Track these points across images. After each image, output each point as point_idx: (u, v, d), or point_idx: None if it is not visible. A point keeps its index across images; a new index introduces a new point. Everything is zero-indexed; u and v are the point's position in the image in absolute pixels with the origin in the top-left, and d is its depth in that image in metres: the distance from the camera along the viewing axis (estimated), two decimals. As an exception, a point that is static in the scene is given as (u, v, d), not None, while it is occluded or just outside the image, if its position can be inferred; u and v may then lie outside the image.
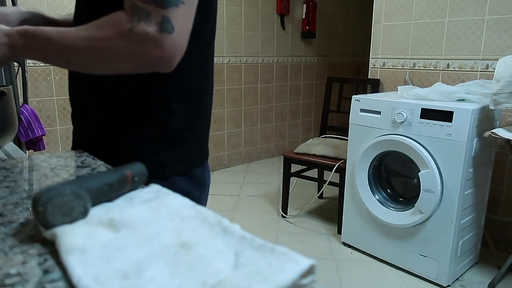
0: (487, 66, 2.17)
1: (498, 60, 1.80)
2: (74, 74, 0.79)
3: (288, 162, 2.62)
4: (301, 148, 2.58)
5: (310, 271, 0.33)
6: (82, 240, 0.39)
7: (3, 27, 0.62)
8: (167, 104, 0.73)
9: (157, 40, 0.57)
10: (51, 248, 0.40)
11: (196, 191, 0.82)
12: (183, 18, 0.60)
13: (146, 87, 0.72)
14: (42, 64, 2.60)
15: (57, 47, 0.61)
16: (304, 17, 4.06)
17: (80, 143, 0.81)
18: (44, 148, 1.81)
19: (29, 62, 2.43)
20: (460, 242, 1.89)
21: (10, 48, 0.62)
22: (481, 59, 2.19)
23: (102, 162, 0.71)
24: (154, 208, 0.46)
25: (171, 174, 0.76)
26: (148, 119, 0.73)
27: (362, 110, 2.08)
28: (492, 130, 1.74)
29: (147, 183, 0.57)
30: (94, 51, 0.60)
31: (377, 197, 2.09)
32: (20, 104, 1.78)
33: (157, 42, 0.57)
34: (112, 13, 0.60)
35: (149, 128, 0.74)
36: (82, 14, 0.75)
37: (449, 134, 1.75)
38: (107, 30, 0.58)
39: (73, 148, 0.82)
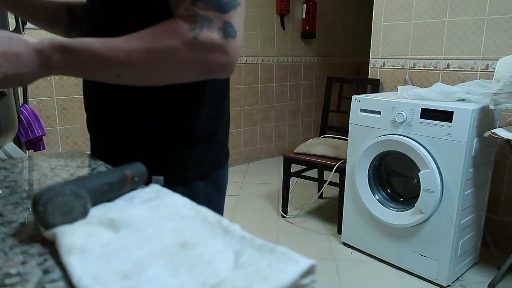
0: (487, 66, 2.17)
1: (498, 60, 1.80)
2: (91, 80, 0.77)
3: (288, 162, 2.62)
4: (301, 148, 2.58)
5: (310, 271, 0.33)
6: (82, 240, 0.39)
7: (32, 40, 0.54)
8: (192, 109, 0.71)
9: (222, 46, 0.55)
10: (51, 248, 0.40)
11: (216, 194, 0.80)
12: (240, 20, 0.58)
13: (170, 92, 0.69)
14: (42, 64, 2.60)
15: (105, 62, 0.55)
16: (304, 17, 4.06)
17: (99, 151, 0.78)
18: (44, 148, 1.81)
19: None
20: (460, 242, 1.89)
21: (42, 65, 0.54)
22: (481, 59, 2.19)
23: (102, 162, 0.71)
24: (154, 208, 0.46)
25: (193, 178, 0.74)
26: (172, 125, 0.71)
27: (362, 110, 2.08)
28: (492, 130, 1.74)
29: (168, 187, 0.56)
30: (154, 64, 0.56)
31: (377, 197, 2.09)
32: (20, 104, 1.78)
33: (222, 49, 0.56)
34: (166, 21, 0.56)
35: (173, 134, 0.71)
36: (96, 10, 0.72)
37: (449, 134, 1.75)
38: (168, 40, 0.55)
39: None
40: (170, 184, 0.60)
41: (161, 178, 0.65)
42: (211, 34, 0.55)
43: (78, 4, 0.88)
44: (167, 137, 0.71)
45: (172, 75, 0.58)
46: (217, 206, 0.82)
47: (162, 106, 0.70)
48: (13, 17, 1.71)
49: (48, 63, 0.55)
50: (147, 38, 0.55)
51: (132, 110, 0.71)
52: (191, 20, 0.55)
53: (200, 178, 0.75)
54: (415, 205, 1.89)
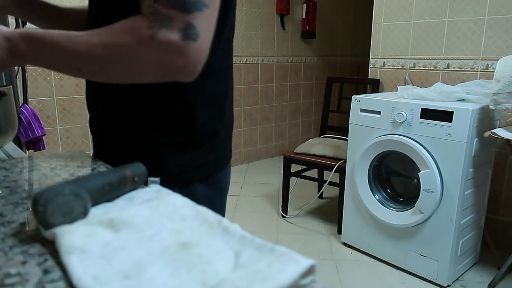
0: (487, 66, 2.17)
1: (498, 60, 1.80)
2: (93, 81, 0.76)
3: (288, 162, 2.62)
4: (301, 148, 2.58)
5: (310, 271, 0.33)
6: (82, 240, 0.39)
7: (3, 29, 0.57)
8: (190, 110, 0.70)
9: (180, 48, 0.53)
10: (51, 248, 0.40)
11: (217, 196, 0.79)
12: (206, 23, 0.55)
13: (167, 92, 0.68)
14: (42, 64, 2.60)
15: (66, 54, 0.55)
16: (304, 17, 4.06)
17: (99, 150, 0.78)
18: (44, 148, 1.81)
19: (29, 62, 2.43)
20: (460, 242, 1.89)
21: (9, 53, 0.57)
22: (481, 59, 2.19)
23: (102, 162, 0.71)
24: (154, 208, 0.46)
25: (192, 180, 0.73)
26: (170, 125, 0.70)
27: (362, 110, 2.08)
28: (492, 130, 1.74)
29: (166, 186, 0.55)
30: (109, 59, 0.55)
31: (377, 197, 2.09)
32: (20, 104, 1.78)
33: (180, 50, 0.53)
34: (129, 18, 0.55)
35: (171, 134, 0.70)
36: (95, 10, 0.72)
37: (449, 134, 1.75)
38: (125, 37, 0.54)
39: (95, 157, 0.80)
40: (168, 185, 0.60)
41: (158, 179, 0.65)
42: (169, 34, 0.52)
43: None
44: (164, 138, 0.70)
45: (128, 73, 0.57)
46: (218, 208, 0.81)
47: (159, 106, 0.69)
48: (13, 16, 1.70)
49: (15, 51, 0.57)
50: (107, 34, 0.55)
51: (129, 110, 0.71)
52: (151, 18, 0.53)
53: (200, 180, 0.74)
54: (415, 205, 1.89)
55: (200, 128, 0.72)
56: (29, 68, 2.48)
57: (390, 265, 2.09)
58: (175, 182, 0.69)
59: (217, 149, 0.76)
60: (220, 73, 0.73)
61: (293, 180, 2.72)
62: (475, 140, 1.76)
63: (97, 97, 0.75)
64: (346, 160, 2.23)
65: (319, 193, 2.82)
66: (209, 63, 0.63)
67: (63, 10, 0.87)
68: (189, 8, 0.53)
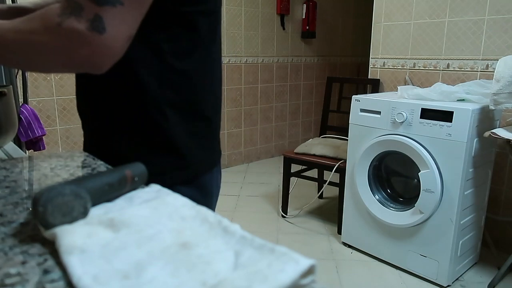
0: (487, 66, 2.17)
1: (498, 60, 1.80)
2: (79, 82, 0.77)
3: (288, 162, 2.62)
4: (301, 148, 2.58)
5: (310, 271, 0.33)
6: (82, 240, 0.39)
7: None
8: (160, 110, 0.70)
9: (85, 38, 0.53)
10: (51, 248, 0.40)
11: (203, 199, 0.78)
12: (119, 21, 0.55)
13: (138, 92, 0.69)
14: (42, 64, 2.60)
15: None
16: (304, 17, 4.06)
17: (88, 151, 0.80)
18: (44, 148, 1.81)
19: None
20: (460, 242, 1.89)
21: None
22: (481, 59, 2.19)
23: (102, 162, 0.71)
24: (154, 208, 0.46)
25: (172, 183, 0.72)
26: (143, 125, 0.71)
27: (362, 110, 2.08)
28: (492, 130, 1.74)
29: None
30: (19, 45, 0.55)
31: (377, 197, 2.09)
32: (20, 104, 1.77)
33: (84, 41, 0.53)
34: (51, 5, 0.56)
35: (146, 135, 0.71)
36: None
37: (449, 134, 1.75)
38: (35, 23, 0.54)
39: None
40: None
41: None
42: (77, 23, 0.52)
43: (26, 8, 0.87)
44: (141, 141, 0.71)
45: (36, 60, 0.57)
46: None
47: (133, 109, 0.70)
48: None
49: None
50: (23, 20, 0.55)
51: (106, 114, 0.72)
52: (64, 5, 0.53)
53: (183, 182, 0.74)
54: (415, 205, 1.89)
55: (173, 129, 0.72)
56: (29, 68, 2.48)
57: (390, 265, 2.09)
58: (157, 183, 0.70)
59: (198, 152, 0.76)
60: (195, 77, 0.73)
61: (293, 180, 2.72)
62: (475, 140, 1.76)
63: (82, 97, 0.77)
64: (346, 160, 2.23)
65: (319, 193, 2.82)
66: (178, 66, 0.67)
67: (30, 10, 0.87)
68: (101, 1, 0.53)
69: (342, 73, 4.68)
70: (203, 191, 0.78)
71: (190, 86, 0.73)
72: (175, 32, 0.68)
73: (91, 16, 0.53)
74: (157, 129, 0.71)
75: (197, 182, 0.76)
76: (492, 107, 1.74)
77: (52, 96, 2.69)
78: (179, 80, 0.70)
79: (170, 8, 0.65)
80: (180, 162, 0.74)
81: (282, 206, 2.70)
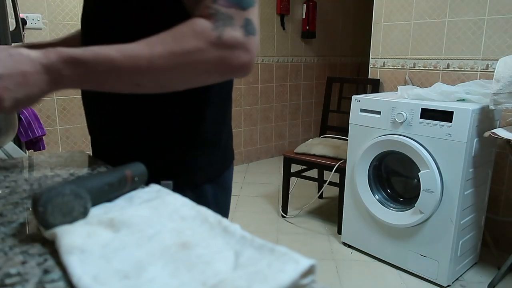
0: (487, 66, 2.17)
1: (498, 60, 1.80)
2: (95, 97, 0.73)
3: (288, 162, 2.62)
4: (301, 148, 2.58)
5: (310, 271, 0.33)
6: (82, 240, 0.39)
7: (35, 54, 0.49)
8: (199, 110, 0.70)
9: (244, 44, 0.54)
10: (51, 248, 0.40)
11: (224, 196, 0.79)
12: (257, 18, 0.57)
13: (176, 92, 0.67)
14: (42, 64, 2.60)
15: (124, 71, 0.51)
16: (304, 17, 4.06)
17: (102, 154, 0.76)
18: (44, 148, 1.81)
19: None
20: (460, 242, 1.89)
21: (52, 83, 0.50)
22: (481, 59, 2.19)
23: (102, 162, 0.71)
24: (154, 208, 0.46)
25: (202, 181, 0.72)
26: (179, 126, 0.69)
27: (362, 110, 2.08)
28: (492, 130, 1.74)
29: (177, 191, 0.54)
30: (178, 68, 0.53)
31: (377, 197, 2.09)
32: (20, 104, 1.77)
33: (245, 47, 0.54)
34: (185, 22, 0.53)
35: (180, 135, 0.69)
36: (92, 18, 0.70)
37: (449, 134, 1.75)
38: (193, 41, 0.52)
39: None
40: (180, 188, 0.59)
41: (170, 182, 0.63)
42: (234, 32, 0.53)
43: None
44: (175, 140, 0.70)
45: (196, 77, 0.55)
46: (224, 208, 0.82)
47: (168, 107, 0.68)
48: (13, 16, 1.71)
49: (58, 79, 0.50)
50: (170, 41, 0.52)
51: (137, 112, 0.69)
52: (213, 19, 0.53)
53: (209, 180, 0.74)
54: (415, 205, 1.89)
55: (208, 129, 0.72)
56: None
57: (390, 265, 2.09)
58: (186, 184, 0.69)
59: (222, 149, 0.76)
60: None
61: (293, 180, 2.72)
62: (475, 140, 1.76)
63: (100, 99, 0.72)
64: (346, 160, 2.23)
65: (319, 193, 2.82)
66: None
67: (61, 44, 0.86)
68: (245, 5, 0.55)
69: (342, 73, 4.68)
70: (224, 188, 0.79)
71: (225, 82, 0.73)
72: None
73: (242, 22, 0.54)
74: (194, 127, 0.70)
75: (220, 179, 0.76)
76: (492, 107, 1.74)
77: (52, 96, 2.69)
78: None
79: None
80: (209, 159, 0.73)
81: (282, 206, 2.70)
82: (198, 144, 0.71)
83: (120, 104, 0.69)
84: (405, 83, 2.51)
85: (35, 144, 1.77)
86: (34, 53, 0.49)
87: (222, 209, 0.81)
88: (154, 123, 0.69)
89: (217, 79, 0.57)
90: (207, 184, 0.73)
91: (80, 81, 0.52)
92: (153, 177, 0.57)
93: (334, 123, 3.39)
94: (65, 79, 0.50)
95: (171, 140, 0.69)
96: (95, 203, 0.47)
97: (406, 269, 2.03)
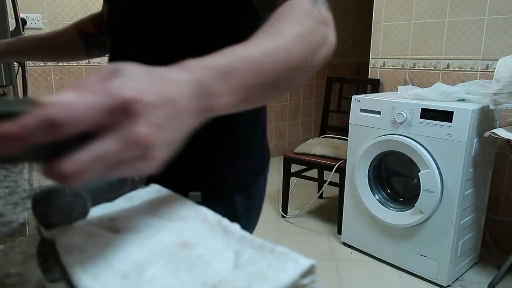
0: (487, 66, 2.17)
1: (498, 60, 1.80)
2: None
3: (288, 162, 2.62)
4: (301, 148, 2.58)
5: (310, 271, 0.33)
6: (82, 240, 0.39)
7: (178, 73, 0.33)
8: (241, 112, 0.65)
9: (332, 21, 0.49)
10: (51, 248, 0.40)
11: (255, 206, 0.74)
12: None
13: None
14: (42, 64, 2.60)
15: (267, 70, 0.40)
16: (304, 17, 4.05)
17: None
18: (44, 148, 1.81)
19: (29, 62, 2.43)
20: (460, 242, 1.89)
21: (205, 110, 0.35)
22: (481, 59, 2.19)
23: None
24: (154, 208, 0.46)
25: (232, 190, 0.68)
26: (206, 131, 0.63)
27: (362, 110, 2.08)
28: (492, 130, 1.74)
29: (206, 202, 0.52)
30: (308, 53, 0.45)
31: (377, 197, 2.09)
32: (20, 104, 1.77)
33: (332, 23, 0.49)
34: (286, 5, 0.47)
35: (207, 142, 0.63)
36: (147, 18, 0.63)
37: (449, 134, 1.75)
38: (307, 22, 0.45)
39: None
40: (208, 198, 0.55)
41: (199, 194, 0.60)
42: (325, 8, 0.48)
43: (84, 21, 0.85)
44: (202, 147, 0.63)
45: (316, 64, 0.48)
46: (255, 220, 0.77)
47: None
48: (13, 17, 1.71)
49: (211, 100, 0.35)
50: (289, 26, 0.44)
51: None
52: (306, 1, 0.47)
53: (239, 190, 0.69)
54: (415, 205, 1.89)
55: (239, 133, 0.67)
56: (29, 68, 2.48)
57: (390, 265, 2.09)
58: (215, 194, 0.65)
59: (254, 153, 0.72)
60: None
61: (293, 180, 2.72)
62: (475, 140, 1.76)
63: None
64: (346, 160, 2.23)
65: (319, 193, 2.82)
66: None
67: (48, 39, 0.86)
68: None
69: (342, 73, 4.68)
70: (256, 196, 0.74)
71: None
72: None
73: None
74: (225, 133, 0.65)
75: (252, 187, 0.71)
76: (492, 107, 1.74)
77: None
78: None
79: None
80: (240, 166, 0.68)
81: (282, 206, 2.70)
82: (227, 150, 0.66)
83: None
84: (405, 83, 2.51)
85: (35, 144, 1.77)
86: (174, 70, 0.34)
87: (252, 222, 0.76)
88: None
89: (321, 63, 0.50)
90: (236, 195, 0.68)
91: (231, 100, 0.37)
92: (179, 188, 0.52)
93: (334, 123, 3.39)
94: (218, 100, 0.36)
95: (198, 147, 0.61)
96: (95, 203, 0.47)
97: (406, 269, 2.03)
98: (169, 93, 0.30)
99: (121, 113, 0.27)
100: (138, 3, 0.63)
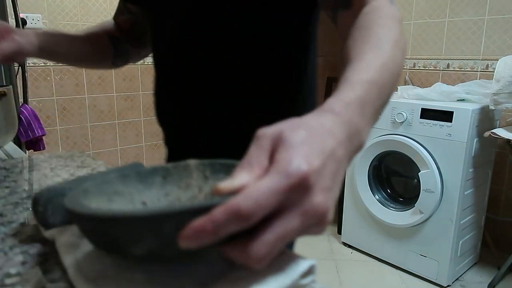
0: (487, 66, 2.17)
1: (498, 60, 1.80)
2: (193, 88, 0.65)
3: (288, 162, 2.62)
4: (301, 148, 2.58)
5: (310, 271, 0.33)
6: (82, 240, 0.39)
7: (325, 116, 0.33)
8: (303, 102, 0.67)
9: None
10: (51, 248, 0.40)
11: None
12: None
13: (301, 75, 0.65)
14: (42, 64, 2.60)
15: (385, 88, 0.40)
16: (304, 17, 4.05)
17: (188, 145, 0.70)
18: (44, 148, 1.81)
19: (29, 62, 2.43)
20: (460, 242, 1.89)
21: (354, 150, 0.34)
22: (481, 59, 2.19)
23: (102, 162, 0.71)
24: (154, 208, 0.46)
25: None
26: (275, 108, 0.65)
27: (362, 110, 2.08)
28: (492, 130, 1.74)
29: None
30: (403, 58, 0.44)
31: (377, 197, 2.09)
32: (20, 104, 1.78)
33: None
34: (368, 7, 0.48)
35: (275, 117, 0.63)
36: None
37: (449, 134, 1.75)
38: (392, 23, 0.45)
39: None
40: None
41: None
42: (395, 5, 0.49)
43: (111, 26, 0.81)
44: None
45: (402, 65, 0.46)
46: None
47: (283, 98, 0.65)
48: (13, 17, 1.71)
49: (359, 141, 0.35)
50: (385, 33, 0.43)
51: (238, 90, 0.64)
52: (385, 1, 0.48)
53: None
54: (415, 205, 1.89)
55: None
56: (29, 68, 2.49)
57: (390, 265, 2.09)
58: None
59: None
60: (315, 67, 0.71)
61: (293, 180, 2.71)
62: (475, 140, 1.76)
63: (195, 108, 0.66)
64: (346, 160, 2.23)
65: (319, 193, 2.82)
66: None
67: (80, 38, 0.79)
68: None
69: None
70: None
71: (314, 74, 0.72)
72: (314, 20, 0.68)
73: None
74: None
75: None
76: (492, 107, 1.74)
77: (52, 96, 2.69)
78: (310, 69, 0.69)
79: None
80: None
81: (282, 206, 2.70)
82: None
83: (223, 83, 0.64)
84: (405, 83, 2.51)
85: (35, 144, 1.77)
86: (323, 117, 0.33)
87: None
88: (254, 104, 0.65)
89: None
90: None
91: (369, 129, 0.37)
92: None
93: (334, 123, 3.39)
94: (362, 135, 0.35)
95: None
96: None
97: (406, 269, 2.03)
98: (330, 148, 0.30)
99: (299, 189, 0.27)
100: (202, 16, 0.62)
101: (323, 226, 0.29)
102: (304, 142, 0.29)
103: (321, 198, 0.28)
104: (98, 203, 0.36)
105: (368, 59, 0.40)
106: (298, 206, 0.27)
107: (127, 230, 0.27)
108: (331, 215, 0.29)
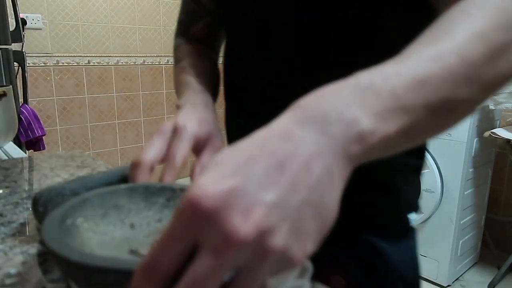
0: (487, 66, 2.17)
1: (498, 60, 1.80)
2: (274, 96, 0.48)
3: (288, 162, 2.62)
4: (301, 148, 2.58)
5: (310, 271, 0.33)
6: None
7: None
8: None
9: None
10: (51, 248, 0.40)
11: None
12: None
13: None
14: (42, 64, 2.60)
15: (440, 89, 0.28)
16: (304, 17, 4.05)
17: None
18: (44, 148, 1.81)
19: (29, 62, 2.43)
20: (460, 242, 1.89)
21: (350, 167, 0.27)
22: (481, 59, 2.19)
23: (102, 162, 0.71)
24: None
25: (405, 229, 0.58)
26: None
27: (362, 110, 2.08)
28: (492, 130, 1.74)
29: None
30: (491, 59, 0.31)
31: (377, 197, 2.09)
32: (20, 104, 1.78)
33: None
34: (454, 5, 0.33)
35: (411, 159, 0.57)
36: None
37: (449, 134, 1.76)
38: (498, 16, 0.31)
39: None
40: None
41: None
42: None
43: (198, 48, 0.70)
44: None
45: (503, 74, 0.35)
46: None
47: None
48: (13, 17, 1.71)
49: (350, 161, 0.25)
50: (465, 26, 0.31)
51: None
52: None
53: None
54: (415, 205, 1.89)
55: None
56: (29, 68, 2.49)
57: (390, 265, 2.09)
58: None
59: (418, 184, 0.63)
60: None
61: (293, 180, 2.71)
62: (475, 140, 1.76)
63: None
64: (346, 160, 2.23)
65: (319, 193, 2.82)
66: None
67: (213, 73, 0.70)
68: None
69: (342, 73, 4.68)
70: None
71: None
72: None
73: None
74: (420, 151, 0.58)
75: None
76: (492, 107, 1.74)
77: (52, 96, 2.69)
78: None
79: None
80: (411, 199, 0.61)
81: (282, 206, 2.70)
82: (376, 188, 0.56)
83: None
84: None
85: (35, 144, 1.77)
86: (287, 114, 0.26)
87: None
88: None
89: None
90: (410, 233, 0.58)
91: (379, 120, 0.26)
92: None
93: (334, 123, 3.39)
94: (355, 156, 0.26)
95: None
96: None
97: (406, 269, 2.02)
98: (256, 155, 0.24)
99: (199, 219, 0.22)
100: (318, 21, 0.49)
101: (267, 256, 0.22)
102: (225, 159, 0.23)
103: (238, 221, 0.21)
104: (87, 219, 0.35)
105: (416, 51, 0.30)
106: (208, 240, 0.21)
107: (80, 274, 0.28)
108: (279, 237, 0.22)
